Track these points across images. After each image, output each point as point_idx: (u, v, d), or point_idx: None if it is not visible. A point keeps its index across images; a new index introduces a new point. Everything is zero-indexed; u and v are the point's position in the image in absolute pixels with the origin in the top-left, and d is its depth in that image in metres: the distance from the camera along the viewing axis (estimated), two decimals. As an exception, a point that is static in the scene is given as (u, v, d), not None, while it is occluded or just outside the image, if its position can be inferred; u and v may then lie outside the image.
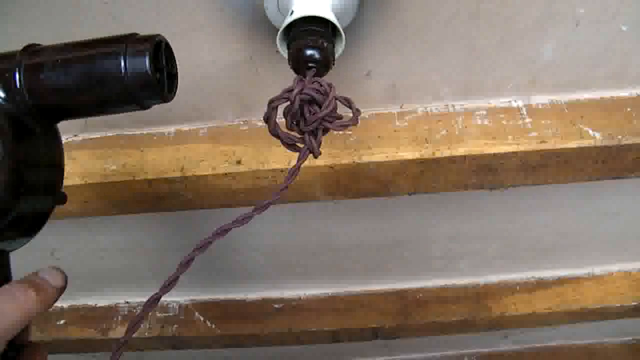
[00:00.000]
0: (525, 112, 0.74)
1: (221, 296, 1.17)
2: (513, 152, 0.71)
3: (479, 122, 0.74)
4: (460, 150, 0.71)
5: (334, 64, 0.53)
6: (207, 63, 0.68)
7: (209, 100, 0.74)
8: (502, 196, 0.87)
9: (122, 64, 0.40)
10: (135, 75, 0.41)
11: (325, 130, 0.48)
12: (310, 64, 0.51)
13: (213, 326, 1.14)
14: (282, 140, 0.48)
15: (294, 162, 0.70)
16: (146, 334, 1.16)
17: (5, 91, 0.40)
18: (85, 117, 0.45)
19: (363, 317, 1.13)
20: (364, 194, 0.77)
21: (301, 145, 0.49)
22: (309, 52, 0.51)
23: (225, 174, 0.72)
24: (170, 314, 1.17)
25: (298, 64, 0.51)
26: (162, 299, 1.24)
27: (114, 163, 0.75)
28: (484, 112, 0.74)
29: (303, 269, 1.07)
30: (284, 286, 1.14)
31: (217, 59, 0.67)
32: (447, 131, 0.73)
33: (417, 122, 0.74)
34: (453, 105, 0.75)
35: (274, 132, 0.47)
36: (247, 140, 0.74)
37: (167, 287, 0.44)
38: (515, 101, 0.75)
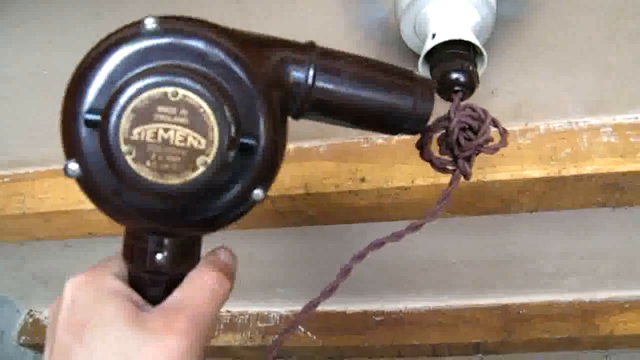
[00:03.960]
0: (654, 129, 0.72)
1: (322, 307, 1.18)
2: (644, 170, 0.69)
3: (605, 139, 0.72)
4: (587, 169, 0.70)
5: (477, 87, 0.53)
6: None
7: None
8: (622, 214, 0.85)
9: (412, 104, 0.42)
10: (417, 116, 0.43)
11: (477, 154, 0.48)
12: (456, 88, 0.51)
13: (314, 337, 1.16)
14: (434, 165, 0.49)
15: (418, 181, 0.72)
16: (248, 343, 1.18)
17: (296, 78, 0.40)
18: (332, 124, 0.45)
19: (465, 331, 1.11)
20: (484, 211, 0.76)
21: (451, 168, 0.49)
22: (454, 75, 0.52)
23: (350, 191, 0.73)
24: (272, 324, 1.19)
25: (444, 87, 0.52)
26: (263, 309, 1.25)
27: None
28: (610, 129, 0.73)
29: (409, 284, 1.08)
30: (385, 299, 1.15)
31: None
32: (572, 149, 0.71)
33: (541, 140, 0.73)
34: (577, 122, 0.74)
35: (428, 158, 0.48)
36: (369, 158, 0.75)
37: (327, 294, 0.47)
38: (643, 117, 0.73)
